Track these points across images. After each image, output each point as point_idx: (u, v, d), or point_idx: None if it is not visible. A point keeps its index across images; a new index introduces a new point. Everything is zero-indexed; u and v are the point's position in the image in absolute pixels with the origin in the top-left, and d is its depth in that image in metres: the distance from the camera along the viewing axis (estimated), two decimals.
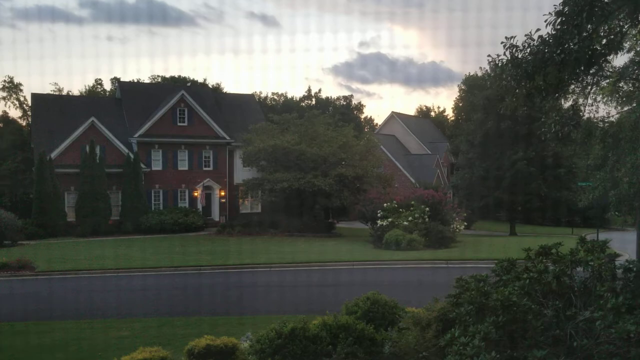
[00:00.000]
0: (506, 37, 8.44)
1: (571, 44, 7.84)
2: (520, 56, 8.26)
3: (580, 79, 8.63)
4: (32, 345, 12.42)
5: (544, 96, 8.61)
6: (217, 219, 42.91)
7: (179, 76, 65.65)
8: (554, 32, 7.94)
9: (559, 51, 7.82)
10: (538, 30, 8.24)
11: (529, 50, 8.18)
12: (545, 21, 8.04)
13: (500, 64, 8.50)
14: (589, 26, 7.72)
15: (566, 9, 7.75)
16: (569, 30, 7.75)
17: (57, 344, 12.39)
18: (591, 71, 8.44)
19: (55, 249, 29.71)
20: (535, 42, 8.17)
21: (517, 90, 8.53)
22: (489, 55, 8.79)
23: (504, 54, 8.48)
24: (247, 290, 19.87)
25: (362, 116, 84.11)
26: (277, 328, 8.57)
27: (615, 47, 8.18)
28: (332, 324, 8.78)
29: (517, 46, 8.37)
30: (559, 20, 7.87)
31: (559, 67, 7.95)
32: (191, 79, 66.03)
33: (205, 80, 67.41)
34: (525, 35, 8.28)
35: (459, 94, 77.47)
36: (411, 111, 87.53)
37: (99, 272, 22.80)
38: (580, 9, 7.54)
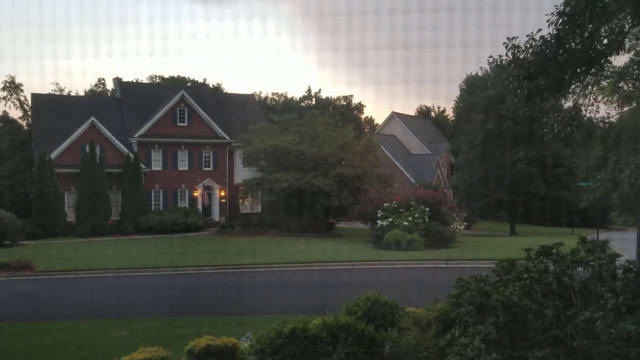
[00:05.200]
0: (508, 38, 8.44)
1: (573, 43, 7.84)
2: (522, 57, 8.26)
3: (581, 79, 8.63)
4: (32, 345, 12.40)
5: (544, 96, 8.61)
6: (217, 219, 42.90)
7: (179, 76, 65.63)
8: (555, 32, 7.95)
9: (561, 51, 7.82)
10: (539, 30, 8.24)
11: (530, 50, 8.18)
12: (548, 21, 8.04)
13: (503, 65, 8.48)
14: (590, 26, 7.72)
15: (568, 9, 7.75)
16: (572, 30, 7.75)
17: (57, 344, 12.37)
18: (592, 71, 8.45)
19: (55, 249, 29.70)
20: (536, 42, 8.17)
21: (518, 91, 8.52)
22: (490, 56, 8.79)
23: (506, 54, 8.47)
24: (247, 290, 19.86)
25: (363, 116, 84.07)
26: (277, 328, 8.56)
27: (617, 46, 8.19)
28: (332, 324, 8.77)
29: (519, 47, 8.37)
30: (560, 20, 7.87)
31: (561, 67, 7.95)
32: (191, 79, 66.00)
33: (205, 80, 67.43)
34: (527, 35, 8.29)
35: (459, 94, 77.37)
36: (411, 111, 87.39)
37: (99, 272, 22.79)
38: (582, 9, 7.54)
